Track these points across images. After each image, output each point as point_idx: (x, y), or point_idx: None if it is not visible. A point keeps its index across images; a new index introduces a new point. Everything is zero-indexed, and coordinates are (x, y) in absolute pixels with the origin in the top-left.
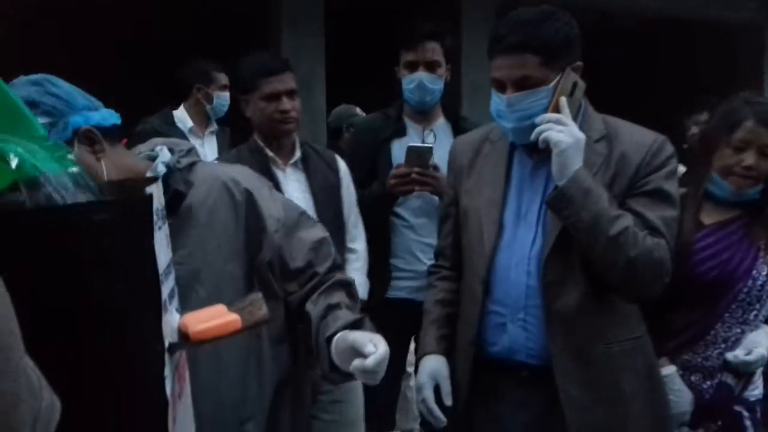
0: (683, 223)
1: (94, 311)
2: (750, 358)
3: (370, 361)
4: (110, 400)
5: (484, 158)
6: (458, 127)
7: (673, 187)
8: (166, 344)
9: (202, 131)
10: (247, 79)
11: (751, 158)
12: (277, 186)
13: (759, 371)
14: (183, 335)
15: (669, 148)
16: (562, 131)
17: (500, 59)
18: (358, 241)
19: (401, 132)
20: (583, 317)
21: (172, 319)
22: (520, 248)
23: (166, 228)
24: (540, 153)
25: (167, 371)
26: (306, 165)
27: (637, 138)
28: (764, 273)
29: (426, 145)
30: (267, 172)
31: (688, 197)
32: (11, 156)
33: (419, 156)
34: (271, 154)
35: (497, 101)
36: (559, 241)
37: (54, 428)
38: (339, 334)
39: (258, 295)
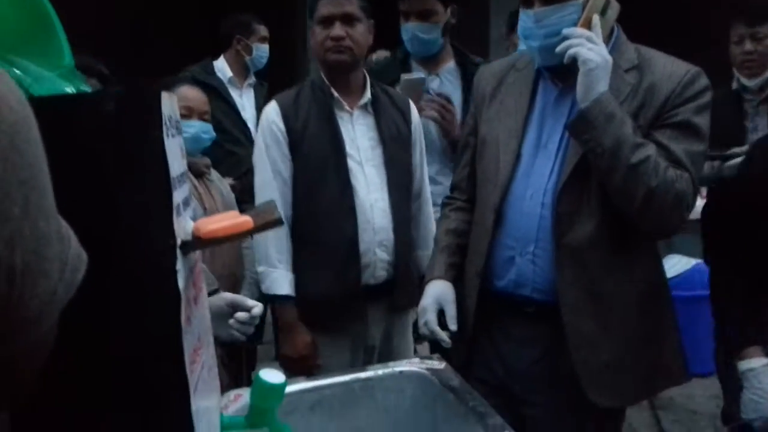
0: None
1: (103, 200)
2: None
3: (257, 309)
4: (120, 288)
5: (507, 87)
6: (467, 72)
7: (703, 122)
8: (179, 241)
9: (241, 82)
10: (311, 4)
11: None
12: (338, 131)
13: None
14: (196, 237)
15: (703, 81)
16: (592, 49)
17: None
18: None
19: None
20: (594, 252)
21: (186, 223)
22: (537, 179)
23: (180, 140)
24: (565, 80)
25: (179, 266)
26: (375, 108)
27: (669, 69)
28: None
29: (418, 75)
30: (328, 114)
31: None
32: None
33: (414, 87)
34: (336, 94)
35: (524, 19)
36: (576, 170)
37: (80, 279)
38: (209, 299)
39: (272, 202)
